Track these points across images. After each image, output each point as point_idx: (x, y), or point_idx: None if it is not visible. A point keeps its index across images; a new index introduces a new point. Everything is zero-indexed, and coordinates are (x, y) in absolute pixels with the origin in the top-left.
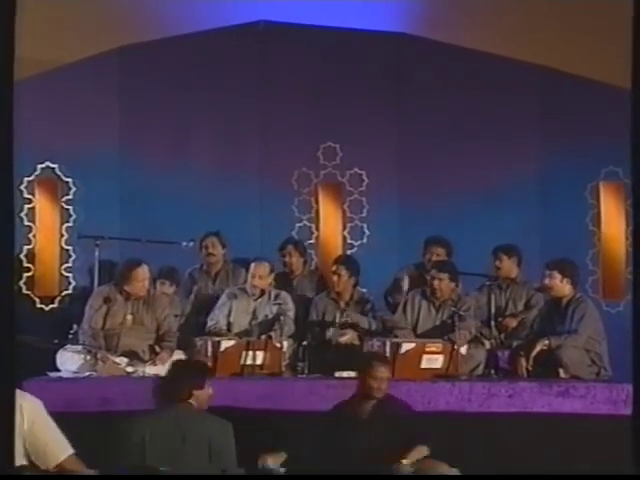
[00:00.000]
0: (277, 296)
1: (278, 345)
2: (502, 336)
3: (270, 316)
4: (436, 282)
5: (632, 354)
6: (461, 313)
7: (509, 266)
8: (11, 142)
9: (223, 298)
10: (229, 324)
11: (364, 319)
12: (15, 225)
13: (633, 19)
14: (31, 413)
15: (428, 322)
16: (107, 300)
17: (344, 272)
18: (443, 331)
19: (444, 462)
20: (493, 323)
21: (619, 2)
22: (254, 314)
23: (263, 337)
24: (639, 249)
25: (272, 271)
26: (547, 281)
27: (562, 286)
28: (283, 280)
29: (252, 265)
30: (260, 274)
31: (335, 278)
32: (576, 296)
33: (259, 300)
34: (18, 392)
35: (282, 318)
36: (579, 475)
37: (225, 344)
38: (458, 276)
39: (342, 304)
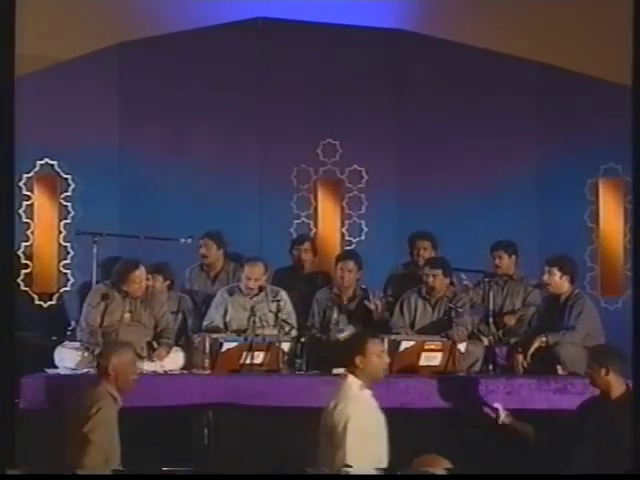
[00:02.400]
0: (276, 294)
1: (277, 344)
2: (500, 333)
3: (269, 314)
4: (431, 279)
5: (632, 351)
6: (459, 309)
7: (508, 263)
8: (12, 142)
9: (218, 297)
10: (225, 323)
11: (366, 306)
12: (16, 224)
13: (633, 17)
14: (354, 419)
15: (425, 320)
16: (105, 297)
17: (353, 266)
18: (440, 328)
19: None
20: (491, 320)
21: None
22: (252, 311)
23: (265, 339)
24: (639, 246)
25: (267, 270)
26: (546, 277)
27: (561, 282)
28: (290, 274)
29: (246, 267)
30: (256, 277)
31: (342, 274)
32: (574, 293)
33: (255, 298)
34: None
35: (280, 315)
36: (579, 475)
37: (227, 345)
38: (452, 272)
39: (345, 300)
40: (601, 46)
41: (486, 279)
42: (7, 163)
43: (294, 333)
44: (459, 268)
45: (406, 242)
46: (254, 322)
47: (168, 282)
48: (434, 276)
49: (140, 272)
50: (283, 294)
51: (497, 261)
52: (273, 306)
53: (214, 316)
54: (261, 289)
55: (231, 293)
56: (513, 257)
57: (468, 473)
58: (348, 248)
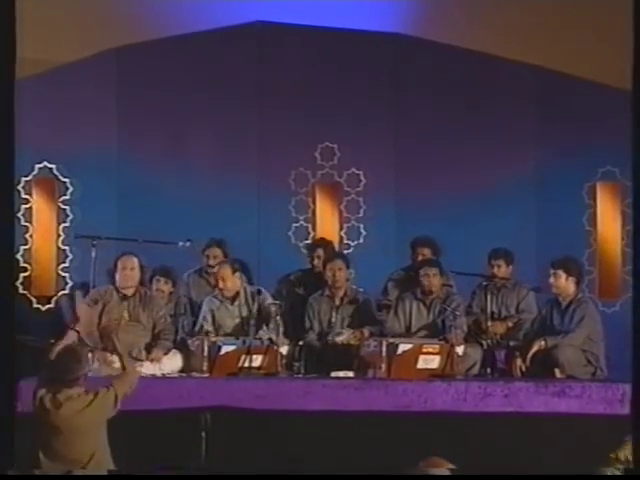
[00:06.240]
0: (259, 292)
1: (276, 347)
2: (497, 337)
3: (255, 315)
4: (429, 278)
5: (632, 353)
6: (457, 313)
7: (505, 272)
8: (12, 146)
9: (205, 306)
10: (217, 331)
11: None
12: (15, 227)
13: (634, 23)
14: None
15: (420, 321)
16: (103, 298)
17: (341, 264)
18: (436, 329)
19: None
20: (490, 323)
21: (616, 3)
22: (240, 316)
23: (264, 342)
24: (639, 249)
25: (235, 271)
26: (552, 280)
27: (567, 285)
28: (308, 277)
29: (215, 269)
30: (223, 277)
31: (332, 273)
32: (578, 296)
33: (236, 303)
34: None
35: (268, 315)
36: (579, 475)
37: (225, 348)
38: (445, 273)
39: (337, 301)
40: (598, 50)
41: (484, 283)
42: (7, 166)
43: (279, 319)
44: (457, 271)
45: (405, 245)
46: (240, 325)
47: (170, 285)
48: (433, 275)
49: (129, 258)
50: (265, 293)
51: (495, 270)
52: (254, 307)
53: (204, 324)
54: (237, 293)
55: (213, 302)
56: (510, 267)
57: (466, 473)
58: (337, 250)
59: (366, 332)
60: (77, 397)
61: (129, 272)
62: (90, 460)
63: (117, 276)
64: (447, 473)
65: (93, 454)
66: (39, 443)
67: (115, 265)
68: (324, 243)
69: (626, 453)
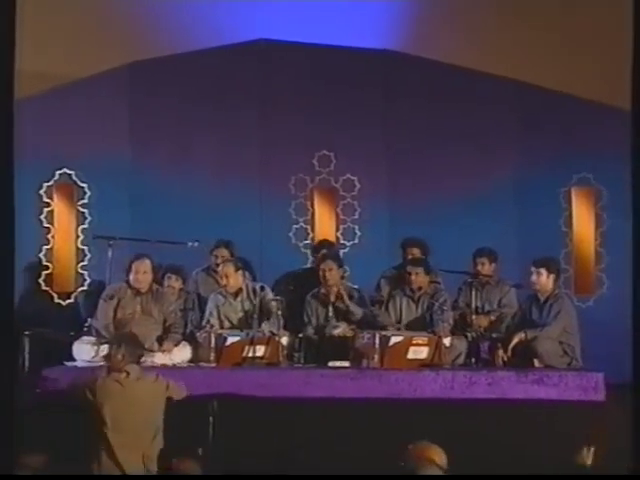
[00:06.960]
0: (262, 288)
1: (277, 339)
2: (481, 329)
3: (257, 309)
4: (413, 276)
5: (631, 350)
6: (444, 307)
7: (488, 269)
8: (11, 156)
9: (211, 303)
10: (222, 325)
11: (358, 309)
12: (15, 225)
13: (634, 37)
14: None
15: (410, 316)
16: (117, 293)
17: (332, 265)
18: (424, 322)
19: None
20: (474, 317)
21: (597, 20)
22: (243, 311)
23: (266, 333)
24: (638, 250)
25: (238, 269)
26: (534, 278)
27: (547, 282)
28: (307, 275)
29: (220, 267)
30: (226, 274)
31: (324, 274)
32: (555, 292)
33: (239, 298)
34: None
35: (269, 309)
36: (579, 475)
37: (231, 339)
38: (431, 271)
39: (332, 298)
40: (578, 64)
41: (469, 280)
42: (7, 172)
43: (280, 313)
44: (445, 269)
45: (397, 245)
46: (244, 320)
47: (180, 282)
48: (416, 274)
49: (142, 262)
50: (267, 289)
51: (479, 267)
52: (257, 302)
53: (210, 319)
54: (240, 289)
55: (218, 299)
56: (493, 264)
57: (453, 457)
58: (327, 251)
59: (357, 311)
60: (146, 376)
61: (141, 276)
62: (154, 438)
63: (131, 277)
64: (439, 463)
65: (157, 431)
66: (105, 421)
67: (130, 267)
68: (327, 244)
69: (584, 460)
